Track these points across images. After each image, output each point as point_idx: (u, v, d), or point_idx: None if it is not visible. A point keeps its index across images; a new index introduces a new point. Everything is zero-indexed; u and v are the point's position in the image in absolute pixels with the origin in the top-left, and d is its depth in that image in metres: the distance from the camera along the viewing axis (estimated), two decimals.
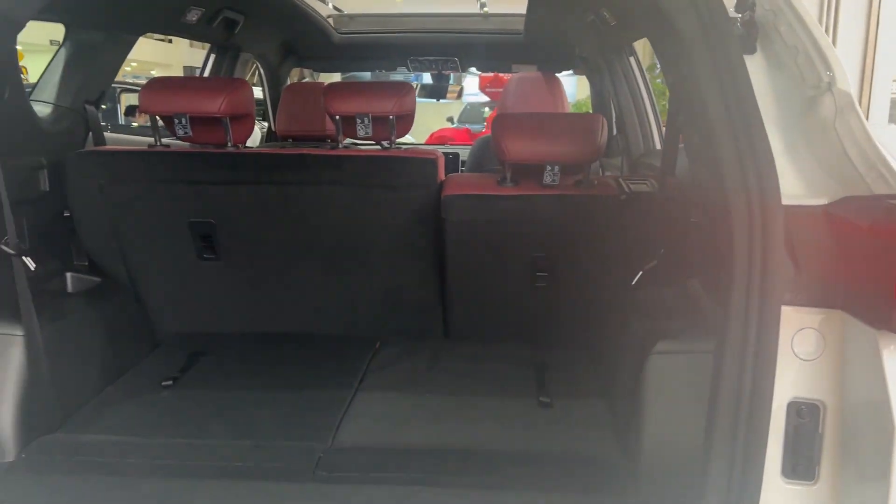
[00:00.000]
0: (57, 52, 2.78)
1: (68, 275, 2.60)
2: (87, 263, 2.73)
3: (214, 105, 2.44)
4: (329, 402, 2.32)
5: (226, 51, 4.01)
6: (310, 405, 2.31)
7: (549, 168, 2.36)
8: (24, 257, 2.03)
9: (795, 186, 1.37)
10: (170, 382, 2.45)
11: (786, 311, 1.29)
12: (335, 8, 4.28)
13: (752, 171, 1.35)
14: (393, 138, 2.58)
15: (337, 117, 2.60)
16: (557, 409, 2.29)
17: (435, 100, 6.48)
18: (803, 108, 1.47)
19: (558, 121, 2.61)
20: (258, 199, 2.57)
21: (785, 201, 1.32)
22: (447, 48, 4.51)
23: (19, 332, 2.07)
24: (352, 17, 4.54)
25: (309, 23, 4.04)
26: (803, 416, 1.28)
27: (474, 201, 2.43)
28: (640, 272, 2.25)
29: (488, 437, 2.12)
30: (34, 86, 2.77)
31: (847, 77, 1.42)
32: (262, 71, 4.62)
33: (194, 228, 2.63)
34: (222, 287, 2.79)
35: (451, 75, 5.41)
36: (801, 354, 1.29)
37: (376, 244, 2.63)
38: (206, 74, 4.07)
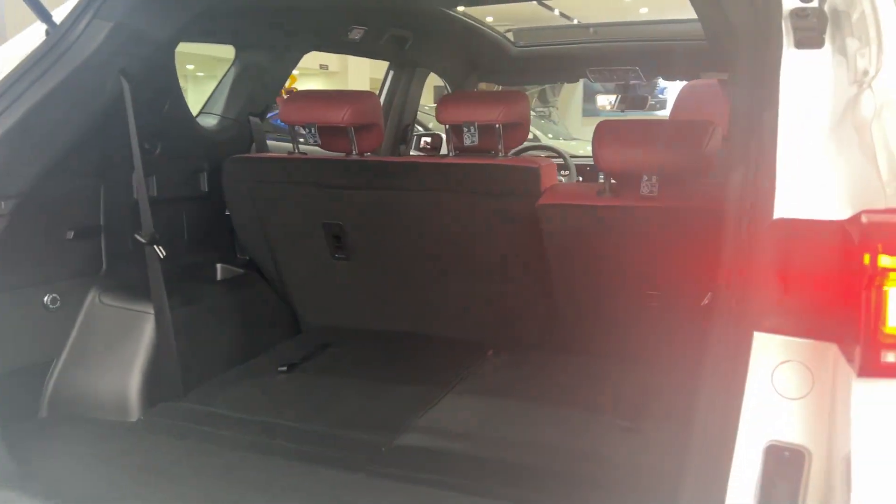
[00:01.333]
0: (227, 70, 3.16)
1: (218, 265, 2.94)
2: (248, 257, 3.07)
3: (339, 116, 2.63)
4: (416, 401, 2.38)
5: (402, 66, 4.25)
6: (397, 401, 2.39)
7: (645, 178, 2.22)
8: (155, 246, 2.35)
9: (813, 198, 1.18)
10: (284, 368, 2.68)
11: (766, 339, 1.11)
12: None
13: (749, 179, 1.19)
14: (500, 147, 2.58)
15: (447, 126, 2.66)
16: (643, 434, 2.13)
17: (640, 111, 6.29)
18: (846, 108, 1.25)
19: (657, 128, 2.43)
20: (377, 203, 2.71)
21: (793, 214, 1.14)
22: (627, 57, 4.36)
23: (150, 310, 2.40)
24: (529, 30, 4.58)
25: (482, 37, 4.15)
26: (783, 463, 1.09)
27: (570, 210, 2.35)
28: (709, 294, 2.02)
29: (569, 457, 2.03)
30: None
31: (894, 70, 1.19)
32: (448, 87, 4.82)
33: (326, 229, 2.85)
34: (352, 285, 2.98)
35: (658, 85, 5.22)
36: (782, 391, 1.10)
37: (482, 251, 2.64)
38: (385, 88, 4.35)
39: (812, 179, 1.18)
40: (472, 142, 2.59)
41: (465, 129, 2.57)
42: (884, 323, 0.94)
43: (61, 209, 2.28)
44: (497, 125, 2.55)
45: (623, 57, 4.35)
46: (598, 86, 5.25)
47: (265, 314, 2.99)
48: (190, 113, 2.85)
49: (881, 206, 1.07)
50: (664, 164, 2.18)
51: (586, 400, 2.38)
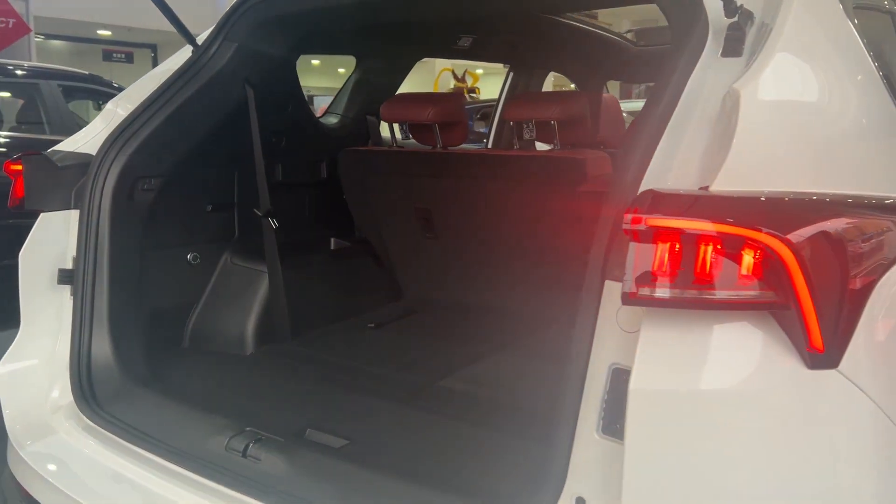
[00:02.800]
0: (349, 77, 3.76)
1: (332, 239, 3.54)
2: (362, 235, 3.66)
3: (424, 115, 3.11)
4: (469, 356, 2.81)
5: (518, 68, 4.65)
6: (454, 355, 2.83)
7: None
8: (269, 218, 2.98)
9: (668, 178, 1.48)
10: (373, 325, 3.21)
11: (614, 286, 1.44)
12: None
13: (632, 160, 1.51)
14: (556, 141, 2.93)
15: (511, 123, 3.05)
16: None
17: None
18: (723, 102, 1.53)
19: None
20: (458, 190, 3.17)
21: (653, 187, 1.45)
22: None
23: (264, 269, 3.03)
24: (651, 30, 4.78)
25: (596, 39, 4.45)
26: (621, 381, 1.42)
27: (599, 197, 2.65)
28: None
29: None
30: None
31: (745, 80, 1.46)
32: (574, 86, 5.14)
33: (418, 213, 3.35)
34: (440, 262, 3.46)
35: None
36: (623, 326, 1.42)
37: (544, 234, 3.01)
38: (505, 88, 4.78)
39: (672, 162, 1.48)
40: (531, 136, 2.96)
41: (525, 126, 2.95)
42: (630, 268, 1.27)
43: (203, 188, 2.97)
44: (552, 122, 2.90)
45: None
46: None
47: (366, 282, 3.55)
48: (311, 113, 3.47)
49: (713, 183, 1.36)
50: None
51: None
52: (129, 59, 17.56)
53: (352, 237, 3.62)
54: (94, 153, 2.47)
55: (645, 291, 1.24)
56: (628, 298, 1.27)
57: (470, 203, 3.18)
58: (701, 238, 1.24)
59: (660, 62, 4.63)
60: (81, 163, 2.46)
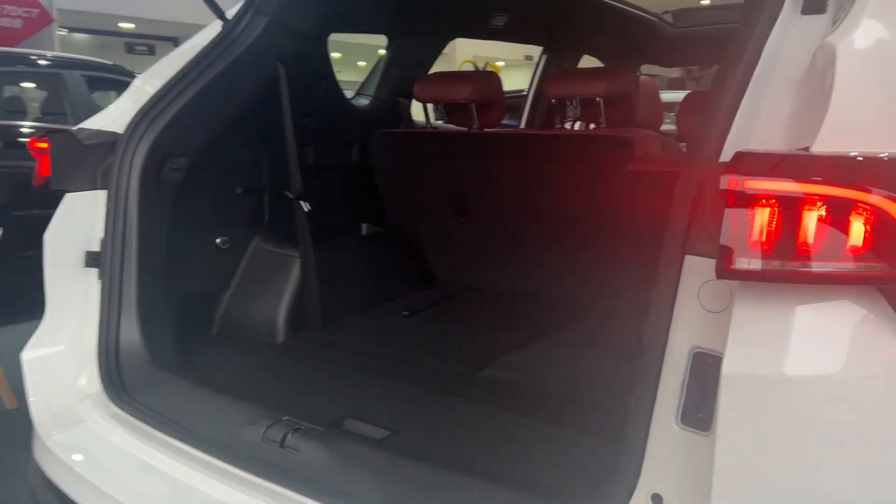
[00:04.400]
0: (380, 58, 3.63)
1: (364, 224, 3.42)
2: (394, 221, 3.54)
3: (461, 94, 2.98)
4: (508, 344, 2.68)
5: (552, 49, 4.50)
6: (493, 343, 2.71)
7: None
8: (300, 201, 2.86)
9: (755, 140, 1.34)
10: (407, 313, 3.09)
11: (695, 261, 1.30)
12: None
13: (706, 128, 1.37)
14: (601, 119, 2.78)
15: (553, 101, 2.91)
16: None
17: None
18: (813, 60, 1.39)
19: None
20: (492, 172, 3.04)
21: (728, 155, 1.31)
22: None
23: (296, 254, 2.91)
24: (688, 10, 4.61)
25: (632, 20, 4.29)
26: (705, 366, 1.28)
27: (658, 177, 2.51)
28: None
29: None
30: None
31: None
32: None
33: (452, 196, 3.22)
34: (474, 246, 3.33)
35: None
36: (706, 306, 1.29)
37: (582, 217, 2.87)
38: (538, 70, 4.63)
39: (760, 125, 1.34)
40: (574, 114, 2.82)
41: (568, 103, 2.81)
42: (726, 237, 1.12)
43: (232, 169, 2.86)
44: (597, 99, 2.75)
45: None
46: None
47: (398, 268, 3.43)
48: (343, 95, 3.35)
49: (813, 145, 1.22)
50: None
51: None
52: (152, 51, 17.58)
53: (383, 222, 3.50)
54: (121, 131, 2.36)
55: (742, 264, 1.10)
56: (724, 271, 1.13)
57: (506, 186, 3.05)
58: (805, 203, 1.10)
59: (699, 44, 4.44)
60: (108, 141, 2.35)
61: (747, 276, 1.12)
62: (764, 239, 1.11)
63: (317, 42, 2.98)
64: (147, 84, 2.50)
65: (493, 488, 1.60)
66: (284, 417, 1.92)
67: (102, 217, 2.30)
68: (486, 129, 3.11)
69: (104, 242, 2.28)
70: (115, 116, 2.46)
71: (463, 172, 3.13)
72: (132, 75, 7.16)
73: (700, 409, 1.28)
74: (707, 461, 1.22)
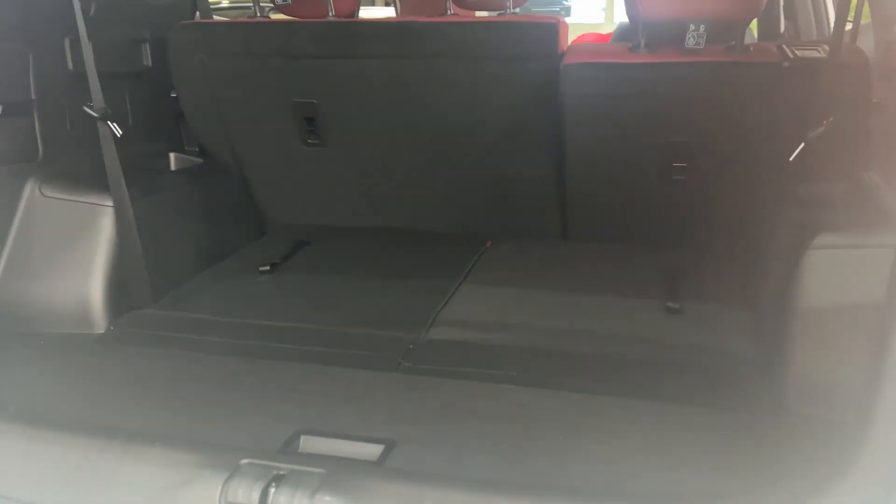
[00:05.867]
0: None
1: (172, 154, 2.52)
2: (196, 149, 2.65)
3: None
4: (427, 295, 2.11)
5: None
6: (406, 297, 2.12)
7: (692, 28, 1.96)
8: (109, 122, 1.93)
9: None
10: (267, 268, 2.34)
11: None
12: None
13: None
14: (509, 4, 2.25)
15: None
16: (688, 315, 1.96)
17: None
18: None
19: None
20: (360, 75, 2.34)
21: None
22: None
23: (108, 202, 1.99)
24: None
25: None
26: None
27: (599, 71, 2.08)
28: (802, 144, 1.84)
29: (601, 340, 1.84)
30: None
31: None
32: None
33: (297, 109, 2.46)
34: (328, 176, 2.63)
35: None
36: None
37: (487, 128, 2.35)
38: None
39: None
40: None
41: None
42: None
43: None
44: None
45: None
46: None
47: (230, 210, 2.60)
48: None
49: None
50: (716, 8, 1.92)
51: (607, 285, 2.19)
52: None
53: (200, 151, 2.62)
54: None
55: None
56: None
57: (379, 93, 2.38)
58: None
59: None
60: None
61: None
62: None
63: None
64: None
65: None
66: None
67: None
68: (346, 18, 2.39)
69: None
70: None
71: (311, 78, 2.39)
72: None
73: None
74: None
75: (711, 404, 1.54)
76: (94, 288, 1.96)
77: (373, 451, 1.36)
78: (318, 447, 1.38)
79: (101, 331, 1.94)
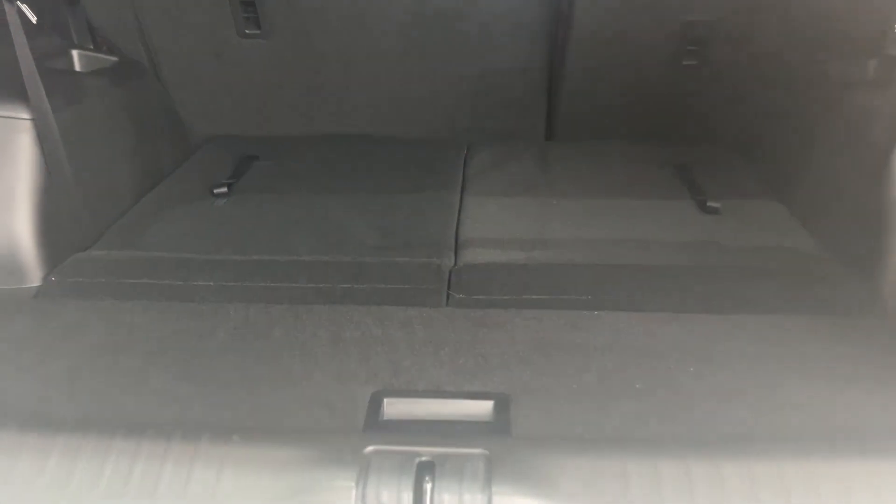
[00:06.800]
0: None
1: (74, 52, 1.98)
2: (92, 41, 2.11)
3: None
4: (434, 213, 1.81)
5: None
6: (411, 217, 1.80)
7: None
8: (17, 2, 1.42)
9: None
10: (223, 190, 1.92)
11: None
12: None
13: None
14: None
15: None
16: (729, 214, 1.79)
17: None
18: None
19: None
20: None
21: None
22: None
23: (25, 114, 1.50)
24: None
25: None
26: None
27: None
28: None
29: (650, 249, 1.63)
30: None
31: None
32: None
33: None
34: (272, 74, 2.19)
35: None
36: None
37: (468, 14, 2.02)
38: None
39: None
40: None
41: None
42: None
43: None
44: None
45: None
46: None
47: (157, 120, 2.12)
48: None
49: None
50: None
51: (625, 186, 1.98)
52: None
53: (104, 48, 2.10)
54: None
55: None
56: None
57: None
58: None
59: None
60: None
61: None
62: None
63: None
64: None
65: None
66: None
67: None
68: None
69: None
70: None
71: None
72: None
73: None
74: None
75: (814, 311, 1.39)
76: (21, 228, 1.49)
77: (483, 409, 1.09)
78: (413, 411, 1.09)
79: (37, 283, 1.49)
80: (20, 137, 1.50)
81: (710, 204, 1.81)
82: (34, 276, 1.49)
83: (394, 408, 1.11)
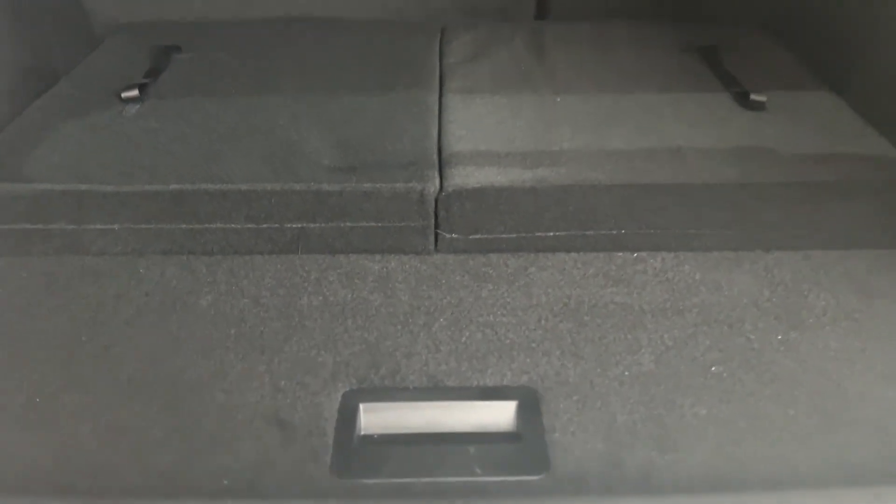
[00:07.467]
0: None
1: None
2: None
3: None
4: (406, 115, 1.41)
5: None
6: (379, 125, 1.40)
7: None
8: None
9: None
10: (133, 93, 1.48)
11: None
12: None
13: None
14: None
15: None
16: (778, 108, 1.43)
17: None
18: None
19: None
20: None
21: None
22: None
23: None
24: None
25: None
26: None
27: None
28: None
29: (693, 160, 1.28)
30: None
31: None
32: None
33: None
34: None
35: None
36: None
37: None
38: None
39: None
40: None
41: None
42: None
43: None
44: None
45: None
46: None
47: (45, 1, 1.65)
48: None
49: None
50: None
51: (640, 77, 1.59)
52: None
53: None
54: None
55: None
56: None
57: None
58: None
59: None
60: None
61: None
62: None
63: None
64: None
65: None
66: None
67: None
68: None
69: None
70: None
71: None
72: None
73: None
74: None
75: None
76: None
77: (503, 417, 0.77)
78: (404, 421, 0.77)
79: None
80: None
81: (754, 97, 1.44)
82: None
83: (375, 417, 0.78)
